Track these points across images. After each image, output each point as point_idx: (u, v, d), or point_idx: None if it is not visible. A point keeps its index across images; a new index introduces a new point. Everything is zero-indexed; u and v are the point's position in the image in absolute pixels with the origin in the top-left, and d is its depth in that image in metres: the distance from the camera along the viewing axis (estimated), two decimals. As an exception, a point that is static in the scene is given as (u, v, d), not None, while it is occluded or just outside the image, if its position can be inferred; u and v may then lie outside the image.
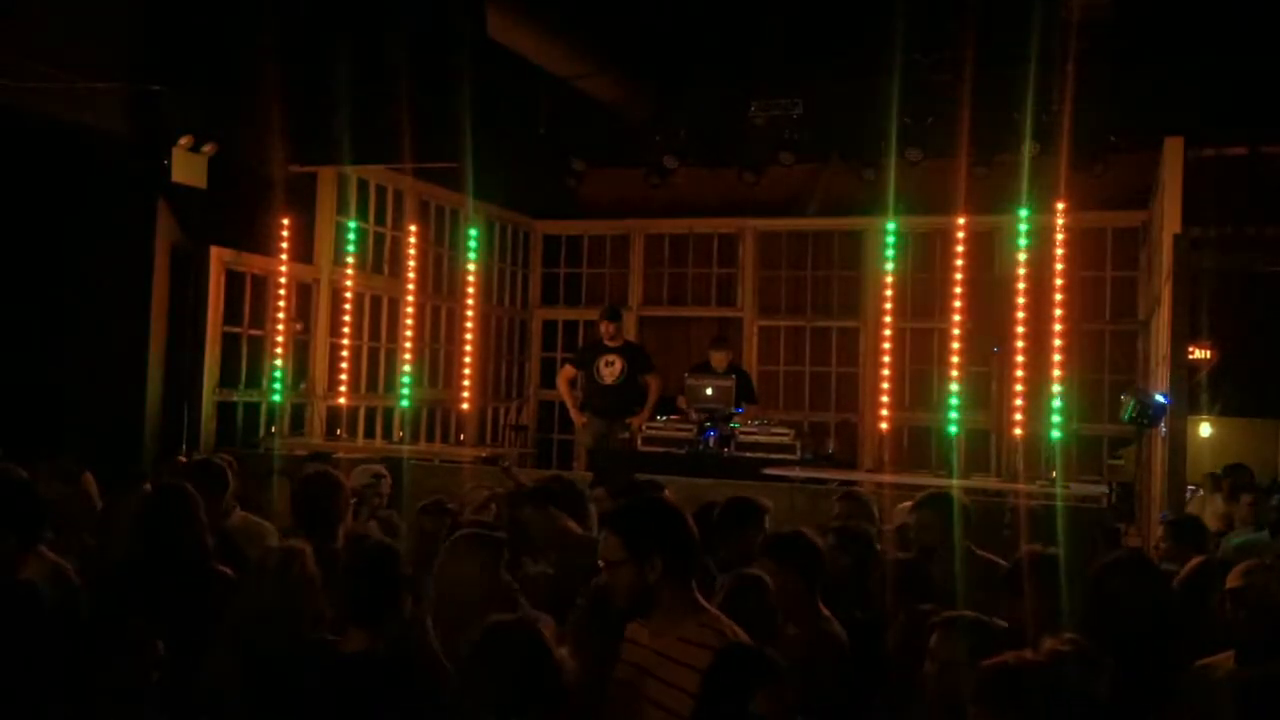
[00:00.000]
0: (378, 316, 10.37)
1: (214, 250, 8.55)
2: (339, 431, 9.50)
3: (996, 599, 3.71)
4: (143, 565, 3.85)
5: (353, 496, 5.50)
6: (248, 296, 8.97)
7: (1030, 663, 2.60)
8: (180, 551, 3.84)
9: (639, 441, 8.84)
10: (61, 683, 2.79)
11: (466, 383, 10.43)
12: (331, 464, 7.04)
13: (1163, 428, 7.56)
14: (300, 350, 9.46)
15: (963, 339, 8.96)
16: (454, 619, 3.35)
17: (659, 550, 2.90)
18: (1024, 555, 3.82)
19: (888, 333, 9.46)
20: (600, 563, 3.02)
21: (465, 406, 10.39)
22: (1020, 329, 8.56)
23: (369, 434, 10.11)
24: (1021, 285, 8.65)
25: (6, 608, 2.95)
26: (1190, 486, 7.79)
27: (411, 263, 10.16)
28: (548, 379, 11.88)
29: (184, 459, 6.79)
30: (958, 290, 9.09)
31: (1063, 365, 8.40)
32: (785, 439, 8.36)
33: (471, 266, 10.70)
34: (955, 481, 7.31)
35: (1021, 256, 8.75)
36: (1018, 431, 8.40)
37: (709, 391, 8.89)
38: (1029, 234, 8.78)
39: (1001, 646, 3.09)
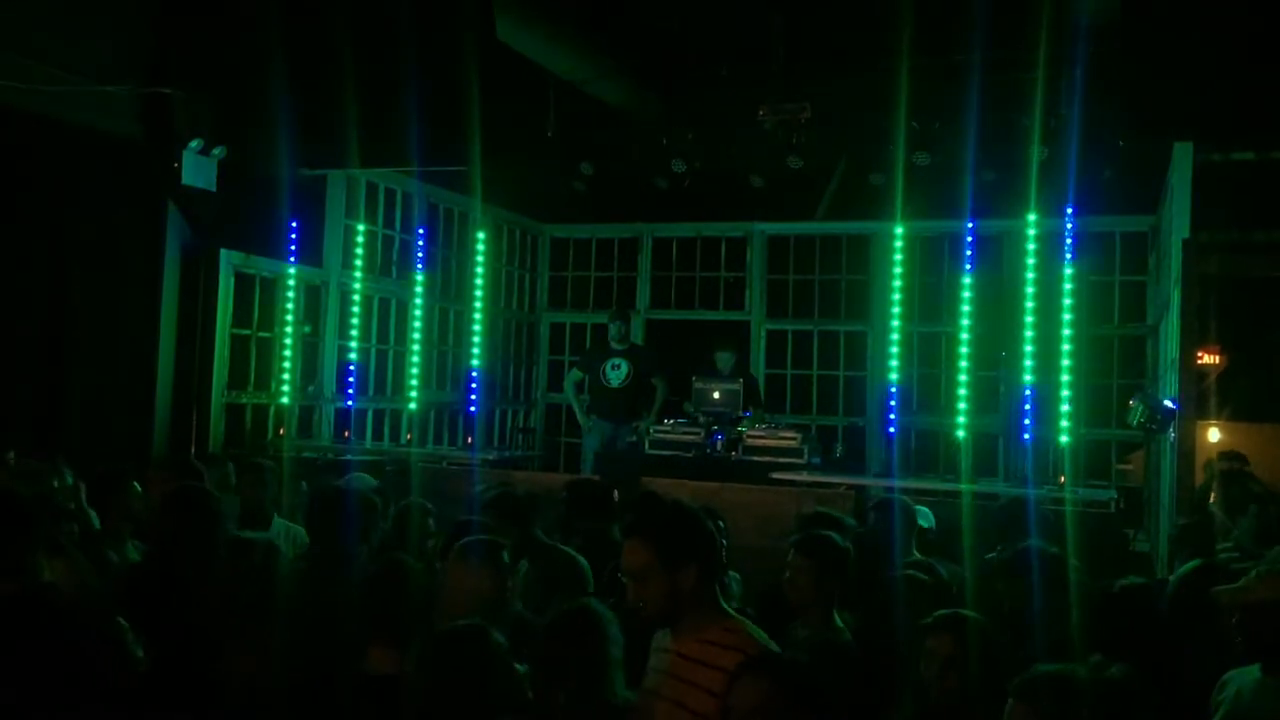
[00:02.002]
0: (386, 319, 10.39)
1: (223, 253, 8.58)
2: (346, 434, 9.52)
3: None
4: (162, 563, 3.87)
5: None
6: (257, 299, 9.00)
7: (1077, 676, 2.62)
8: (199, 550, 3.86)
9: (646, 445, 8.85)
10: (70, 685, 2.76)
11: (474, 385, 10.44)
12: (338, 468, 7.07)
13: (1171, 432, 7.54)
14: (309, 352, 9.49)
15: (971, 343, 8.96)
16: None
17: (693, 558, 2.86)
18: (1024, 548, 4.04)
19: (895, 336, 9.47)
20: (624, 576, 2.97)
21: (473, 409, 10.41)
22: (1028, 333, 8.56)
23: (377, 436, 10.13)
24: (1030, 289, 8.66)
25: (18, 617, 2.95)
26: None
27: (420, 265, 10.18)
28: (556, 382, 11.89)
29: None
30: (966, 294, 9.09)
31: (1071, 370, 8.40)
32: (792, 442, 8.36)
33: (480, 269, 10.72)
34: (964, 486, 7.30)
35: (1030, 260, 8.76)
36: (1025, 436, 8.40)
37: (716, 395, 8.90)
38: (1037, 238, 8.78)
39: (995, 643, 3.11)
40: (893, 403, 9.39)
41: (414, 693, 2.77)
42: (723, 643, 2.80)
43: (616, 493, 5.83)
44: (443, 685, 2.69)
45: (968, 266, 9.21)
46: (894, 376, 9.41)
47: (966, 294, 9.11)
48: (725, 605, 2.95)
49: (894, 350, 9.48)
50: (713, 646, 2.79)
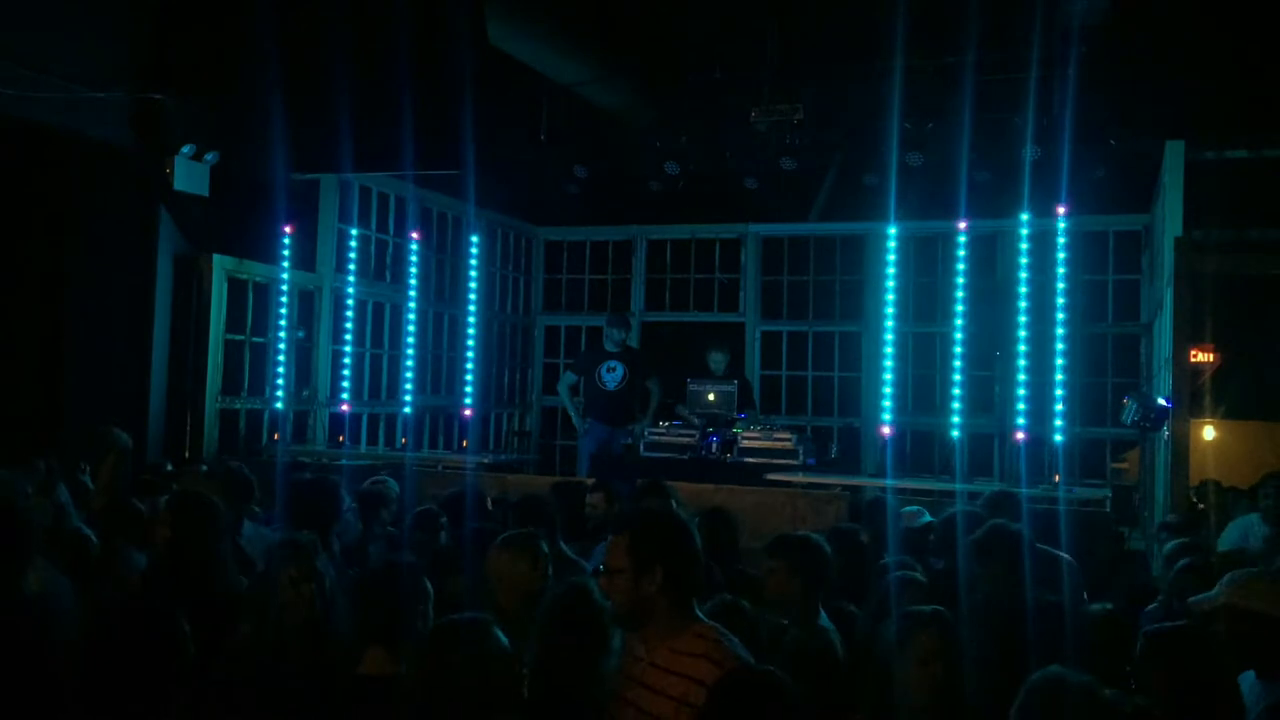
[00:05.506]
0: (380, 323, 10.39)
1: (216, 258, 8.57)
2: (340, 439, 9.51)
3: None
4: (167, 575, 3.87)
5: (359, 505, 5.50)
6: (250, 304, 8.98)
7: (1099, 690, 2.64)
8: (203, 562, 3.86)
9: (641, 447, 8.85)
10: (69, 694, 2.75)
11: (469, 389, 10.44)
12: (326, 471, 7.07)
13: (1165, 430, 7.55)
14: (303, 357, 9.47)
15: (965, 343, 8.97)
16: (503, 616, 3.34)
17: (660, 562, 2.83)
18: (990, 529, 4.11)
19: (890, 337, 9.47)
20: (601, 567, 2.97)
21: (468, 413, 10.40)
22: (1022, 333, 8.57)
23: (372, 441, 10.12)
24: (1023, 289, 8.67)
25: (11, 626, 2.93)
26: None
27: (413, 269, 10.18)
28: (550, 385, 11.88)
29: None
30: (960, 294, 9.10)
31: (1065, 369, 8.41)
32: (787, 444, 8.36)
33: (473, 273, 10.71)
34: (959, 486, 7.31)
35: (1023, 260, 8.77)
36: (1020, 435, 8.41)
37: (711, 397, 8.90)
38: (1030, 238, 8.80)
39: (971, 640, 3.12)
40: (887, 403, 9.39)
41: (412, 689, 2.78)
42: (692, 650, 2.78)
43: (601, 496, 5.83)
44: (441, 680, 2.69)
45: (961, 266, 9.22)
46: (888, 377, 9.41)
47: (960, 294, 9.12)
48: (697, 612, 2.91)
49: (888, 351, 9.49)
50: (683, 656, 2.77)
